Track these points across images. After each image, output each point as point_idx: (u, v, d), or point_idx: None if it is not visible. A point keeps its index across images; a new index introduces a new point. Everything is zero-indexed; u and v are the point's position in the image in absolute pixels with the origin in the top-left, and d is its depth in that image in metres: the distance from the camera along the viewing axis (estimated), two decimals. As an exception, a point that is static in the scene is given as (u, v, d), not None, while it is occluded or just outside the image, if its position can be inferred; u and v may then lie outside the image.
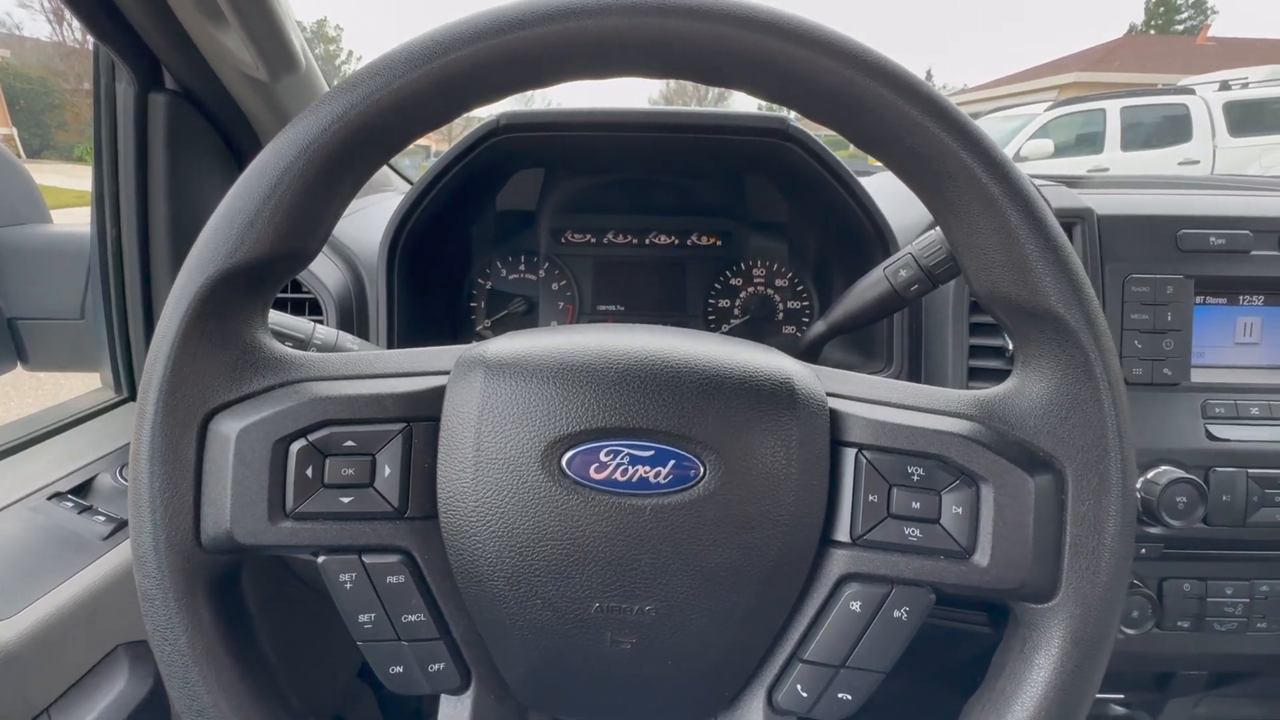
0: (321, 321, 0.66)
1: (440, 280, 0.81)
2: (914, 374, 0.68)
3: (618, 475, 0.31)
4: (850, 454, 0.33)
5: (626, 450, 0.31)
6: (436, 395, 0.33)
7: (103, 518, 0.59)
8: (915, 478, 0.32)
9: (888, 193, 0.68)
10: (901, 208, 0.68)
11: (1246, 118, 5.85)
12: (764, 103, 0.36)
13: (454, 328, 0.85)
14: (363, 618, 0.33)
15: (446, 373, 0.34)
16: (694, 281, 0.86)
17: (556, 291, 0.87)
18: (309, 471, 0.32)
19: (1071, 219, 0.64)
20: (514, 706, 0.36)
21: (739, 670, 0.34)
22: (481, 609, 0.33)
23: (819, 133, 0.54)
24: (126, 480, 0.63)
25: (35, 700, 0.50)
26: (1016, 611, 0.33)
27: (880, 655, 0.33)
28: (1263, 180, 0.87)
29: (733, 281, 0.86)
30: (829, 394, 0.34)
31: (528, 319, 0.87)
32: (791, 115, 0.64)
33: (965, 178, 0.31)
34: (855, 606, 0.32)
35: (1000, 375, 0.61)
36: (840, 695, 0.33)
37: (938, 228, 0.52)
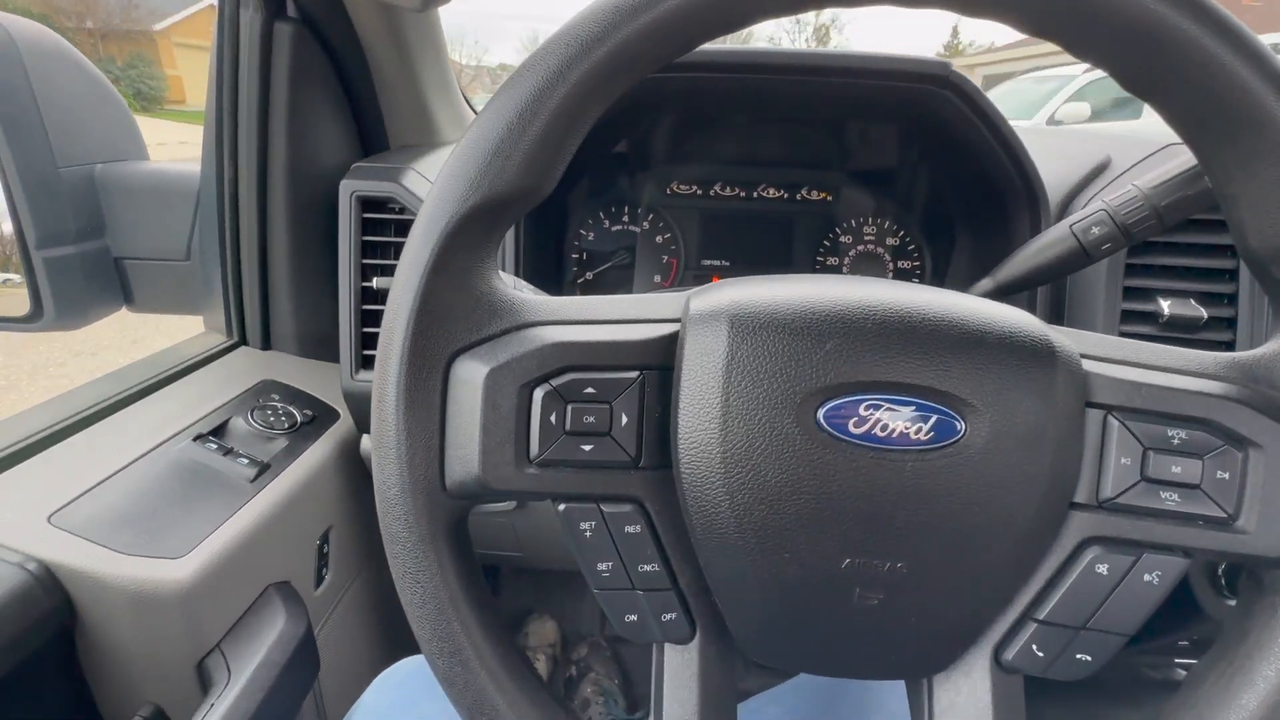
0: None
1: (547, 227, 0.79)
2: None
3: (877, 430, 0.30)
4: (1098, 415, 0.32)
5: (886, 405, 0.30)
6: (667, 343, 0.32)
7: (245, 460, 0.59)
8: (1175, 441, 0.31)
9: (1030, 152, 0.65)
10: (1042, 167, 0.65)
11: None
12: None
13: (559, 278, 0.84)
14: (601, 566, 0.32)
15: (675, 320, 0.33)
16: (801, 238, 0.84)
17: (660, 245, 0.85)
18: (553, 418, 0.31)
19: None
20: (735, 657, 0.36)
21: (971, 629, 0.34)
22: (719, 562, 0.32)
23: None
24: (257, 424, 0.63)
25: (209, 636, 0.50)
26: (1266, 579, 0.33)
27: (1126, 618, 0.32)
28: None
29: (842, 239, 0.84)
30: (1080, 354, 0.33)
31: (628, 273, 0.85)
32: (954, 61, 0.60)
33: (1275, 127, 0.28)
34: (1102, 569, 0.32)
35: (1152, 342, 0.59)
36: (1079, 656, 0.33)
37: (1135, 183, 0.49)
